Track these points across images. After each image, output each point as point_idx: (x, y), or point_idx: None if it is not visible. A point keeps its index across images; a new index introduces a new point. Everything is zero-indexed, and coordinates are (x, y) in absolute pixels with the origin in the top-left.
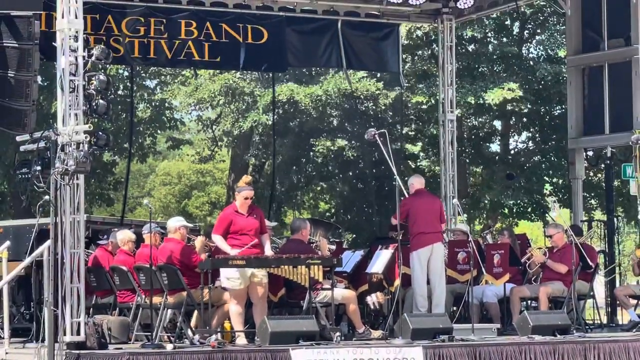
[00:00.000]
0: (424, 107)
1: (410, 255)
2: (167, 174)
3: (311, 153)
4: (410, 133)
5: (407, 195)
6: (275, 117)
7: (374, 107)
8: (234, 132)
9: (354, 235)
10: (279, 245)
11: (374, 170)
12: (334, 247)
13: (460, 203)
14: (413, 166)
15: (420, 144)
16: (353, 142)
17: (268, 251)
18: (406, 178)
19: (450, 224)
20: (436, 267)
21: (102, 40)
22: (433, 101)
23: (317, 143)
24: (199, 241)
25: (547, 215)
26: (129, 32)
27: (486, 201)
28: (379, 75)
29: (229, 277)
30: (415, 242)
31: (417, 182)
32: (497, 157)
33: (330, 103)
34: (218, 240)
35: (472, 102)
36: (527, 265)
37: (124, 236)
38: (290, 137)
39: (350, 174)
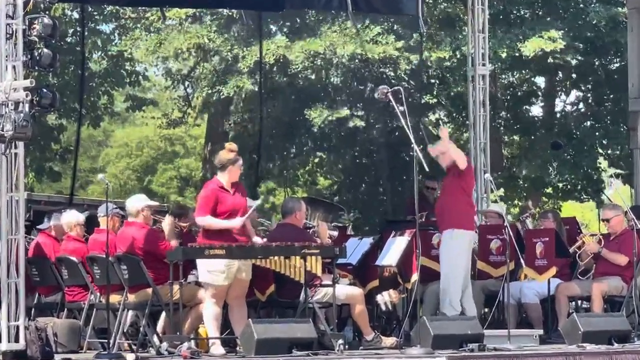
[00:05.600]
0: (448, 64)
1: (454, 235)
2: (126, 144)
3: (306, 121)
4: (430, 100)
5: (426, 168)
6: (262, 79)
7: (392, 74)
8: (211, 98)
9: (359, 216)
10: (269, 228)
11: (388, 138)
12: (336, 233)
13: (493, 178)
14: (435, 132)
15: (438, 112)
16: (360, 109)
17: (256, 238)
18: (421, 147)
19: (482, 204)
20: (469, 259)
21: None
22: (459, 55)
23: (310, 113)
24: (167, 223)
25: (602, 194)
26: None
27: (527, 176)
28: (395, 28)
29: (211, 270)
30: (467, 220)
31: None
32: (539, 123)
33: (333, 62)
34: (211, 220)
35: (504, 55)
36: (577, 255)
37: (70, 218)
38: (280, 101)
39: (357, 146)
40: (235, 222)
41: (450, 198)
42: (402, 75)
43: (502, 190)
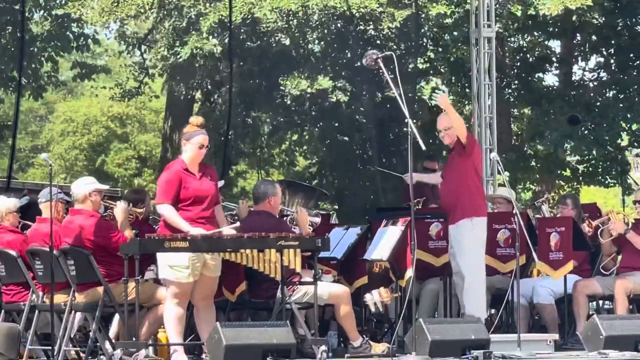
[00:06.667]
0: (450, 20)
1: (474, 224)
2: (71, 119)
3: (282, 91)
4: (423, 66)
5: (423, 147)
6: (231, 39)
7: (374, 33)
8: (169, 60)
9: (345, 202)
10: (237, 212)
11: (376, 112)
12: (317, 220)
13: (501, 158)
14: (431, 104)
15: (435, 81)
16: (344, 79)
17: (227, 230)
18: (418, 122)
19: (488, 188)
20: None
21: None
22: (461, 11)
23: (285, 82)
24: (120, 210)
25: (627, 176)
26: None
27: (540, 156)
28: None
29: (173, 265)
30: (484, 205)
31: None
32: (553, 93)
33: (310, 22)
34: (169, 212)
35: (519, 13)
36: (599, 232)
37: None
38: (250, 67)
39: (340, 121)
40: (195, 230)
41: (464, 181)
42: (389, 34)
43: (509, 171)
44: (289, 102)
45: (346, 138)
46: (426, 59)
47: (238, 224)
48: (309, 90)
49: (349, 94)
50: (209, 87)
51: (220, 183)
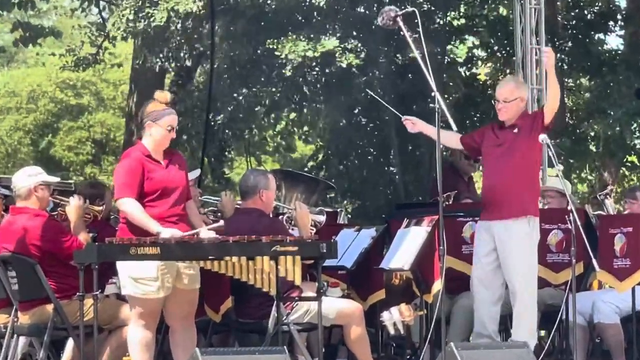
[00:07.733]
0: None
1: (532, 226)
2: (13, 92)
3: (277, 59)
4: (456, 21)
5: (454, 127)
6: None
7: None
8: (138, 25)
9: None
10: (220, 208)
11: (395, 85)
12: (322, 218)
13: (553, 141)
14: (466, 74)
15: (469, 40)
16: (352, 40)
17: (204, 231)
18: (445, 96)
19: None
20: None
21: None
22: None
23: (274, 45)
24: (73, 208)
25: None
26: None
27: (600, 137)
28: None
29: (138, 278)
30: (537, 205)
31: None
32: (617, 59)
33: None
34: (133, 208)
35: None
36: None
37: None
38: (239, 31)
39: (352, 97)
40: (168, 231)
41: (528, 169)
42: None
43: (562, 157)
44: (288, 72)
45: (360, 116)
46: (461, 14)
47: (222, 222)
48: (309, 54)
49: (362, 57)
50: (187, 55)
51: (196, 173)
